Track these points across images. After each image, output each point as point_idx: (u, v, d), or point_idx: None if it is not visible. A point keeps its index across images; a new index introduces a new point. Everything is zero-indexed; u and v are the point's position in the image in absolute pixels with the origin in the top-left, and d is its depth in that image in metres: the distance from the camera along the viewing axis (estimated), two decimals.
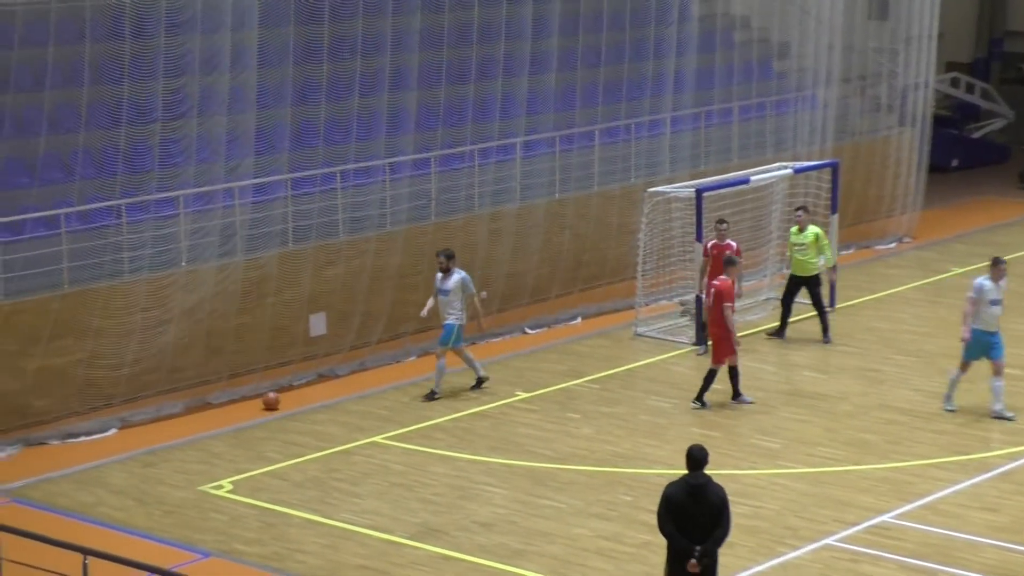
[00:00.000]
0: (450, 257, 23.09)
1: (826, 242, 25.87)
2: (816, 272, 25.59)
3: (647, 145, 29.33)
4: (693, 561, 14.08)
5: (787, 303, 25.85)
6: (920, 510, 18.45)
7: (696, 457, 14.23)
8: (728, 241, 24.98)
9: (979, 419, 21.57)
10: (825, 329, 25.61)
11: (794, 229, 25.86)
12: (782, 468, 20.00)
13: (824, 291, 25.94)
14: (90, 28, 22.14)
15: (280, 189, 24.23)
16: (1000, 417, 21.40)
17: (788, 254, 26.14)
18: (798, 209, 26.15)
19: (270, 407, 22.68)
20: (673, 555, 14.33)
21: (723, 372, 22.23)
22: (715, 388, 22.42)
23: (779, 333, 25.84)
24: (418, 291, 25.58)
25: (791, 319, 25.88)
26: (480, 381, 23.38)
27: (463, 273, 23.09)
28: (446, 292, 22.96)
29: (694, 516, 14.11)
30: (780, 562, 17.09)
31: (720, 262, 23.74)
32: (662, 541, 17.55)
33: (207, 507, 19.11)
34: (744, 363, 24.49)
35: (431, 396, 22.96)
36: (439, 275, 23.13)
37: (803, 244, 25.59)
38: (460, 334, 23.15)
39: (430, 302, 23.23)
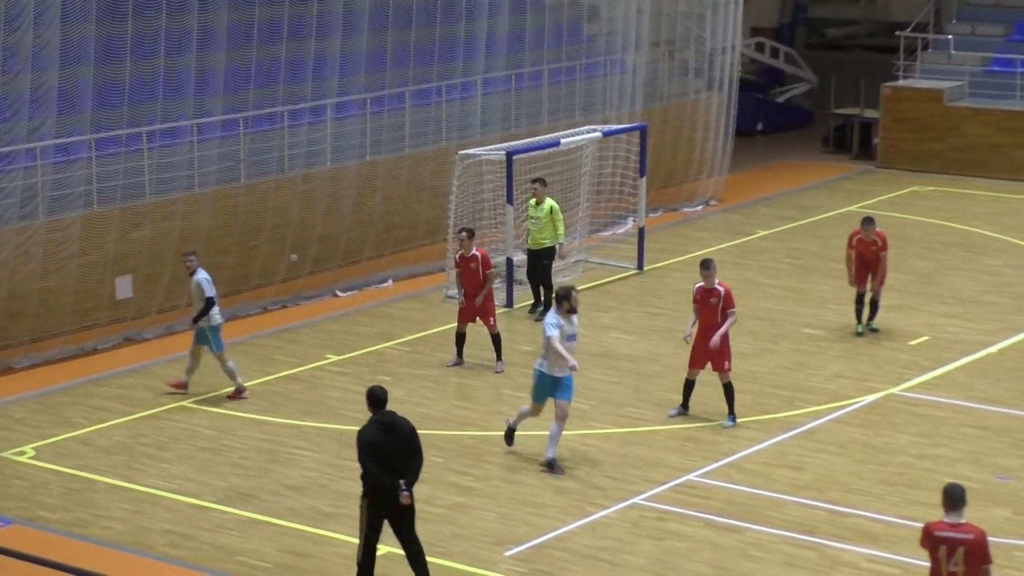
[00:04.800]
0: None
1: (560, 217, 24.96)
2: (550, 246, 24.83)
3: (458, 107, 29.25)
4: (406, 493, 14.71)
5: (533, 280, 25.12)
6: (725, 468, 18.73)
7: (379, 396, 14.93)
8: (474, 252, 22.50)
9: (782, 380, 21.94)
10: (546, 305, 24.44)
11: (532, 202, 25.01)
12: (592, 429, 20.14)
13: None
14: None
15: (83, 150, 23.70)
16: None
17: (526, 228, 25.24)
18: (535, 181, 25.23)
19: None
20: (375, 494, 14.82)
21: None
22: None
23: (535, 310, 25.02)
24: (229, 254, 25.29)
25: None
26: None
27: (204, 273, 21.18)
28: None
29: (392, 452, 14.72)
30: (589, 521, 17.21)
31: (470, 273, 22.40)
32: (473, 502, 17.71)
33: (8, 473, 18.69)
34: None
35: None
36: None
37: (538, 218, 24.81)
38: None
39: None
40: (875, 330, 23.86)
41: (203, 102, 25.27)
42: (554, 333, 18.24)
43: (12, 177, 22.59)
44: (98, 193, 23.85)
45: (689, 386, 20.39)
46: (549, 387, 18.49)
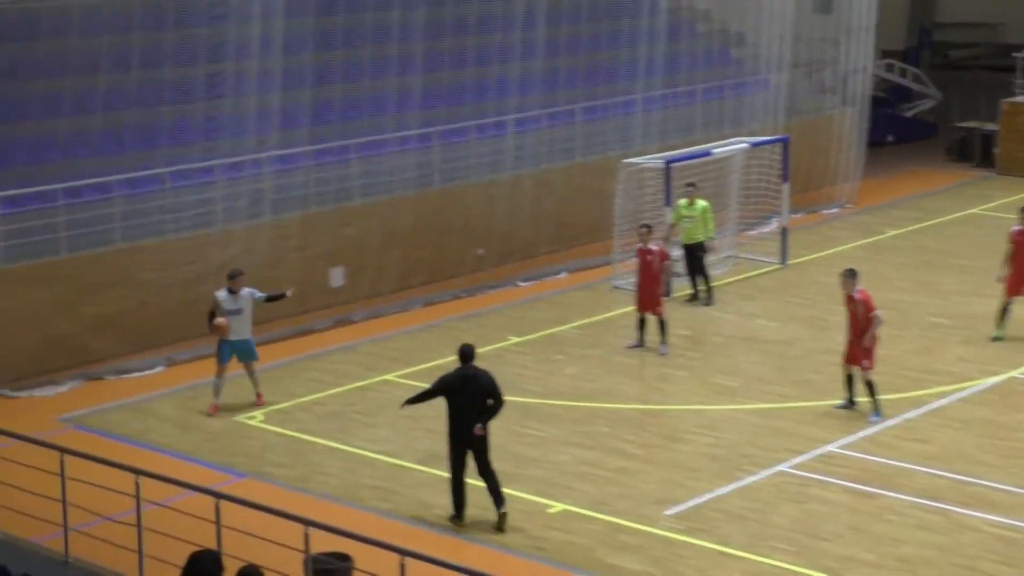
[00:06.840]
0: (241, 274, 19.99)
1: (711, 215, 25.02)
2: (701, 240, 24.90)
3: (622, 122, 29.37)
4: (479, 426, 15.66)
5: (691, 272, 25.09)
6: (861, 441, 18.54)
7: (466, 352, 15.84)
8: (651, 246, 22.48)
9: (910, 363, 21.64)
10: (709, 292, 24.90)
11: (684, 202, 24.96)
12: (740, 404, 20.08)
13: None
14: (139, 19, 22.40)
15: (302, 160, 24.26)
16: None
17: (676, 224, 25.02)
18: (688, 185, 25.19)
19: None
20: (455, 429, 15.83)
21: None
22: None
23: (695, 298, 24.92)
24: (426, 248, 25.67)
25: (712, 283, 25.27)
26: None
27: (250, 289, 20.08)
28: (239, 311, 19.78)
29: (469, 396, 15.67)
30: (739, 486, 17.17)
31: (646, 264, 22.28)
32: (636, 466, 17.77)
33: (242, 435, 19.18)
34: (708, 312, 24.61)
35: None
36: (226, 294, 19.76)
37: (692, 216, 24.86)
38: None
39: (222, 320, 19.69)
40: (999, 338, 22.45)
41: (402, 118, 25.71)
42: None
43: (242, 183, 23.21)
44: (314, 196, 24.35)
45: (848, 380, 19.54)
46: None
